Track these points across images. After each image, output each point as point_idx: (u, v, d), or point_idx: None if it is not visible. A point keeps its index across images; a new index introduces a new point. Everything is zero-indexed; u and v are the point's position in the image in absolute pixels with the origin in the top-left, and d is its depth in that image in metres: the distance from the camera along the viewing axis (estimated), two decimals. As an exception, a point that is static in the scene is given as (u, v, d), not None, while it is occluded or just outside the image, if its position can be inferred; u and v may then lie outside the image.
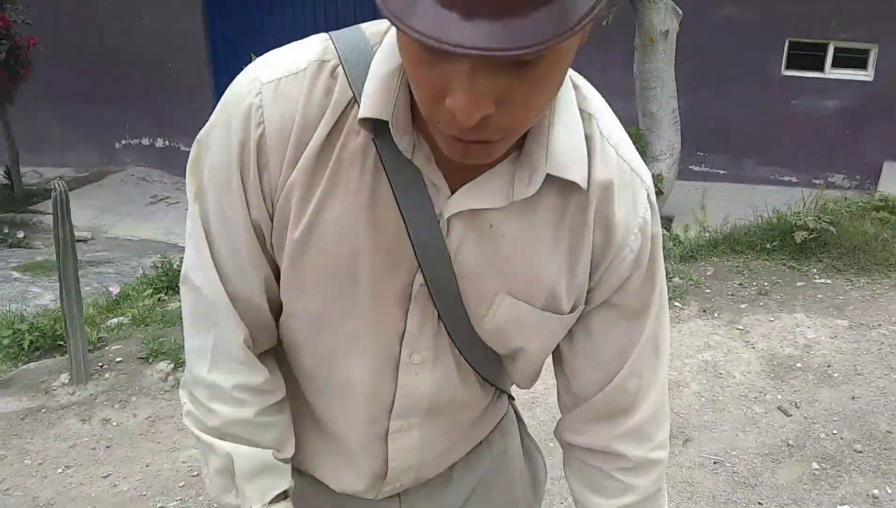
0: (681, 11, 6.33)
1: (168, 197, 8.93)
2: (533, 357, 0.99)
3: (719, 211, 5.39)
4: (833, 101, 7.79)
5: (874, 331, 3.72)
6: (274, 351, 0.98)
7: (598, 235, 0.89)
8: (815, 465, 2.85)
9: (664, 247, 4.51)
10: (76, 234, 7.36)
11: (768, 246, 4.49)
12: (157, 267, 4.82)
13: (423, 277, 0.87)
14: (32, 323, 3.87)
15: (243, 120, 0.82)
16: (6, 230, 7.66)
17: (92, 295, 4.95)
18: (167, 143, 9.54)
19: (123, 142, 9.76)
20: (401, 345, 0.92)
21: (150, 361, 3.55)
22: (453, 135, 0.72)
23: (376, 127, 0.80)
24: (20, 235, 7.67)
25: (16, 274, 6.13)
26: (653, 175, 5.68)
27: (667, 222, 7.03)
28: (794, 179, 8.04)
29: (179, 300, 3.81)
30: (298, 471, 1.05)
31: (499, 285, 0.89)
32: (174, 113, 9.22)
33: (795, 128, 7.91)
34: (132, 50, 9.10)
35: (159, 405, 3.28)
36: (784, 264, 4.37)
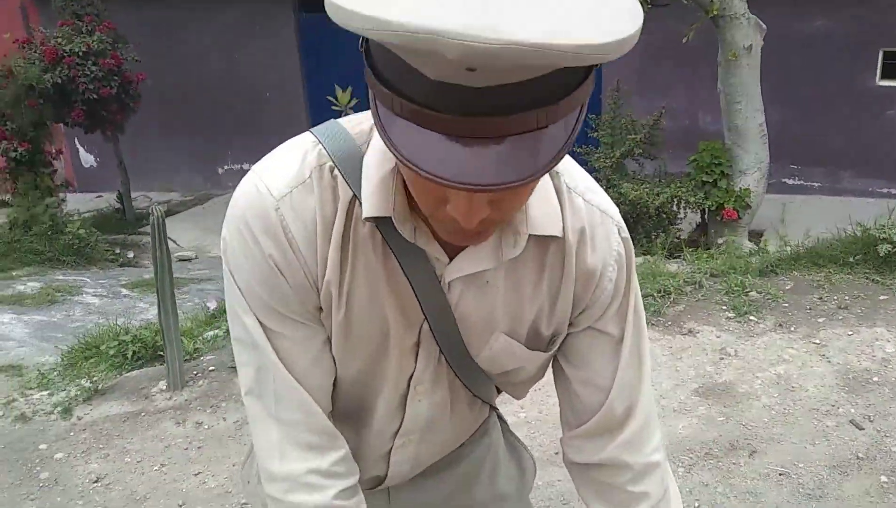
0: (764, 26, 6.27)
1: (265, 219, 9.36)
2: (524, 379, 1.13)
3: (813, 224, 5.31)
4: (924, 112, 7.51)
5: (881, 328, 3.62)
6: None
7: (578, 275, 1.00)
8: (883, 478, 2.82)
9: (745, 261, 4.47)
10: (182, 253, 7.86)
11: (851, 260, 4.40)
12: (250, 284, 5.11)
13: (429, 325, 1.01)
14: (136, 335, 4.20)
15: (271, 235, 0.91)
16: (118, 251, 8.20)
17: (192, 310, 5.29)
18: (265, 167, 10.02)
19: (226, 167, 10.30)
20: (409, 383, 1.06)
21: (240, 370, 3.80)
22: (455, 231, 0.84)
23: (379, 220, 0.91)
24: (130, 255, 8.20)
25: (125, 291, 6.59)
26: (740, 189, 5.68)
27: (756, 236, 6.92)
28: (892, 191, 7.77)
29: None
30: None
31: (494, 326, 1.02)
32: (272, 140, 9.54)
33: (892, 138, 7.65)
34: (233, 83, 9.63)
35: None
36: (867, 278, 4.28)
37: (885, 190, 7.76)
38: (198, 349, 4.14)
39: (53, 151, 8.36)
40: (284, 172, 0.93)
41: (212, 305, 5.12)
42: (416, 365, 1.05)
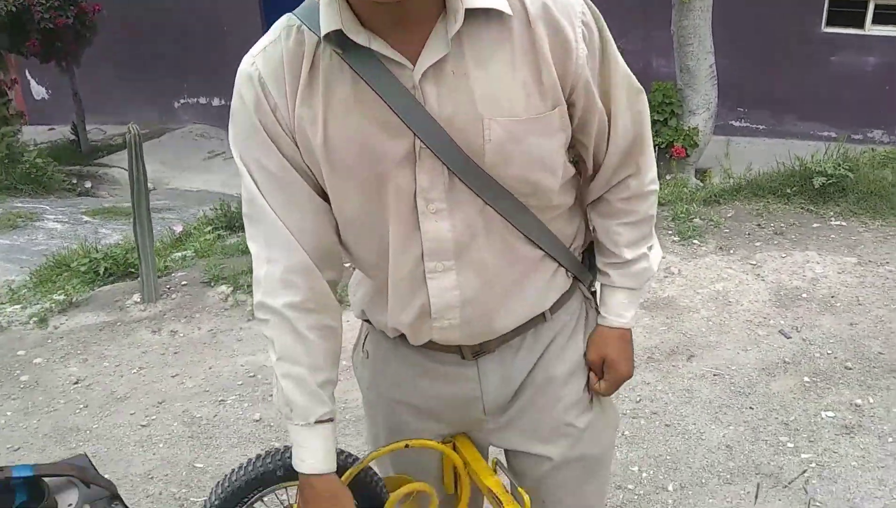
0: (718, -31, 6.47)
1: (224, 152, 9.38)
2: (546, 185, 1.15)
3: (756, 161, 5.58)
4: (874, 57, 7.84)
5: (881, 268, 3.94)
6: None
7: (552, 41, 1.06)
8: (806, 379, 3.12)
9: (690, 192, 4.71)
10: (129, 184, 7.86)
11: (788, 191, 4.70)
12: (217, 209, 5.24)
13: (420, 140, 1.06)
14: (107, 253, 4.32)
15: (248, 85, 1.10)
16: (74, 181, 8.20)
17: (157, 235, 5.39)
18: (223, 101, 9.99)
19: (182, 101, 10.23)
20: (415, 199, 1.10)
21: (212, 284, 3.96)
22: None
23: (341, 43, 1.03)
24: (87, 185, 8.21)
25: (86, 218, 6.64)
26: (689, 128, 5.92)
27: (702, 174, 7.22)
28: (833, 135, 8.13)
29: (237, 236, 4.24)
30: (382, 333, 1.32)
31: (482, 114, 1.06)
32: (230, 74, 9.50)
33: (835, 84, 7.98)
34: (190, 15, 9.53)
35: (220, 320, 3.69)
36: (802, 208, 4.58)
37: (825, 133, 8.12)
38: (168, 267, 4.28)
39: (8, 81, 8.25)
40: (262, 40, 1.12)
41: (177, 228, 5.23)
42: (416, 181, 1.09)
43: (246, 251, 4.36)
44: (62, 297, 3.92)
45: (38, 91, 10.97)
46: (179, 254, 4.59)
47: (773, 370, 3.20)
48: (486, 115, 1.06)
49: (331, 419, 1.21)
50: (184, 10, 9.55)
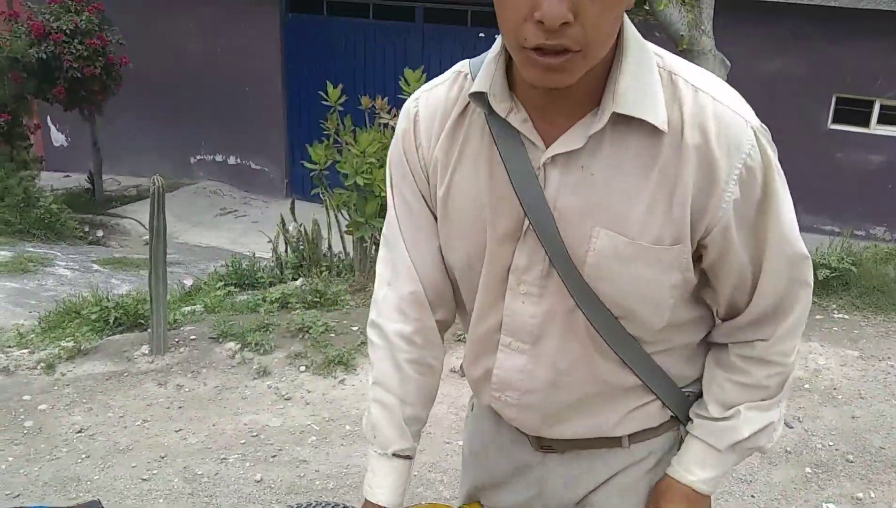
0: (729, 63, 6.67)
1: (236, 210, 9.51)
2: (643, 317, 1.07)
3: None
4: (878, 155, 8.00)
5: (883, 362, 3.98)
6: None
7: (699, 173, 0.99)
8: (808, 469, 3.13)
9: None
10: (147, 238, 7.95)
11: (793, 282, 4.76)
12: (228, 266, 5.30)
13: (529, 221, 1.05)
14: (118, 302, 4.36)
15: (405, 118, 1.16)
16: (86, 229, 8.29)
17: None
18: (238, 160, 10.16)
19: (198, 157, 10.41)
20: (508, 274, 1.10)
21: (220, 340, 4.00)
22: (537, 45, 0.89)
23: (487, 103, 1.04)
24: (99, 234, 8.30)
25: (96, 266, 6.70)
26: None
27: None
28: (836, 229, 8.23)
29: (247, 294, 4.30)
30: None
31: (594, 220, 1.02)
32: (247, 134, 9.87)
33: (840, 180, 8.13)
34: (213, 73, 9.78)
35: (227, 377, 3.72)
36: (806, 299, 4.64)
37: (829, 227, 8.22)
38: (177, 320, 4.31)
39: (31, 125, 8.43)
40: (436, 79, 1.17)
41: (188, 282, 5.29)
42: (513, 257, 1.09)
43: (254, 309, 4.41)
44: (71, 344, 3.95)
45: (58, 138, 11.16)
46: (189, 308, 4.64)
47: (774, 459, 3.20)
48: (599, 223, 1.02)
49: (408, 457, 1.23)
50: (208, 69, 9.81)
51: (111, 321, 4.24)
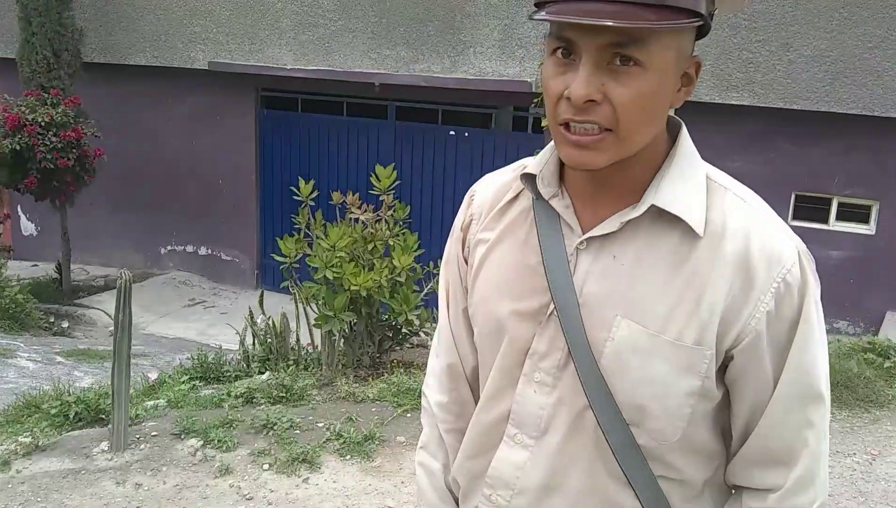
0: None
1: (205, 301, 9.46)
2: (654, 421, 1.03)
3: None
4: (837, 251, 8.21)
5: (849, 459, 3.99)
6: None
7: (735, 282, 1.00)
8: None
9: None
10: (113, 328, 7.86)
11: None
12: (194, 359, 5.24)
13: (554, 305, 1.06)
14: (79, 397, 4.28)
15: (467, 196, 1.25)
16: (52, 320, 8.18)
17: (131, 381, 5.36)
18: (209, 251, 10.17)
19: (169, 247, 10.40)
20: (525, 358, 1.10)
21: (182, 437, 3.92)
22: (566, 120, 0.97)
23: (535, 187, 1.11)
24: (64, 324, 8.19)
25: (59, 358, 6.59)
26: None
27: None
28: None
29: (212, 388, 4.24)
30: None
31: (617, 309, 1.03)
32: (219, 225, 9.92)
33: (802, 275, 8.30)
34: (188, 166, 9.89)
35: (187, 475, 3.63)
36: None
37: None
38: (139, 415, 4.23)
39: (2, 215, 8.41)
40: (505, 167, 1.25)
41: (152, 376, 5.22)
42: (533, 341, 1.09)
43: (218, 404, 4.35)
44: (28, 439, 3.85)
45: (28, 227, 11.12)
46: (152, 402, 4.56)
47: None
48: (621, 312, 1.03)
49: None
50: (183, 162, 9.92)
51: (71, 415, 4.15)
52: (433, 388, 1.30)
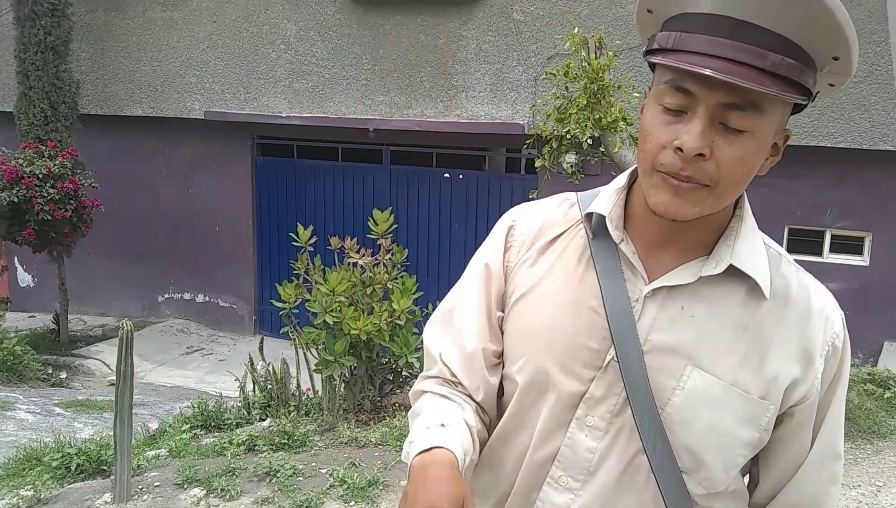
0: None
1: (203, 348, 9.44)
2: (710, 472, 1.05)
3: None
4: (832, 283, 8.23)
5: (853, 491, 3.99)
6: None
7: (799, 343, 1.05)
8: None
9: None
10: (112, 378, 7.83)
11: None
12: (194, 407, 5.23)
13: (615, 351, 1.06)
14: (80, 448, 4.27)
15: (501, 227, 1.22)
16: (50, 371, 8.15)
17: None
18: (207, 298, 10.18)
19: (166, 295, 10.41)
20: (579, 402, 1.09)
21: (185, 487, 3.90)
22: (670, 173, 0.98)
23: (595, 227, 1.11)
24: (63, 375, 8.15)
25: (59, 409, 6.55)
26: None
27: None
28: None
29: (214, 436, 4.24)
30: None
31: (688, 359, 1.04)
32: (217, 272, 9.95)
33: (798, 307, 8.33)
34: (184, 214, 9.95)
35: (191, 525, 3.61)
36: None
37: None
38: (141, 465, 4.22)
39: (0, 267, 8.42)
40: (541, 201, 1.24)
41: (153, 425, 5.20)
42: (589, 387, 1.08)
43: (220, 453, 4.34)
44: (30, 493, 3.84)
45: (24, 278, 11.12)
46: (153, 452, 4.55)
47: None
48: (692, 362, 1.04)
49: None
50: (180, 210, 9.98)
51: (73, 467, 4.14)
52: (437, 382, 1.18)
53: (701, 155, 0.96)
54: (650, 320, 1.06)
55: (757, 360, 1.04)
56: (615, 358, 1.05)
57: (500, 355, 1.19)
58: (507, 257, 1.19)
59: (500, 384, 1.19)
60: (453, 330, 1.20)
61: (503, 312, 1.19)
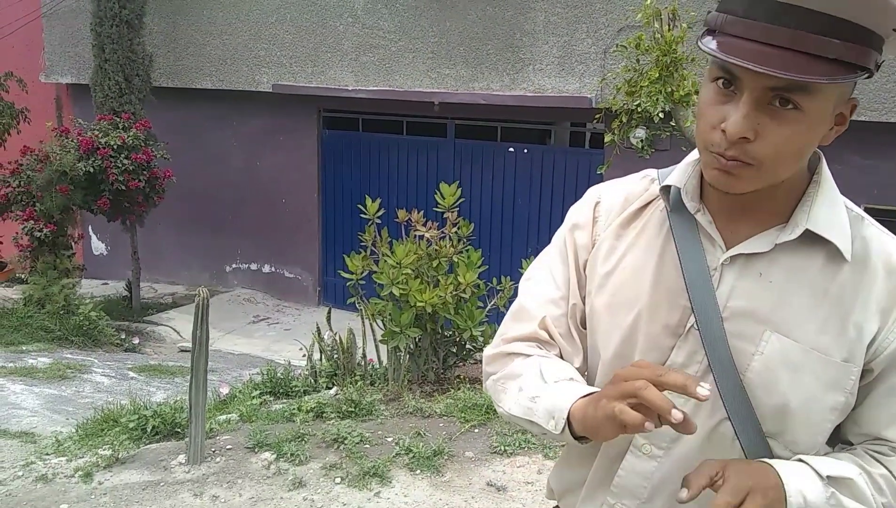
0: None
1: (269, 317, 9.64)
2: (796, 435, 1.06)
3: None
4: None
5: None
6: None
7: (881, 303, 1.05)
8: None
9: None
10: (184, 345, 8.07)
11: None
12: (263, 374, 5.35)
13: (695, 318, 1.07)
14: (156, 411, 4.41)
15: (587, 202, 1.24)
16: (123, 336, 8.42)
17: (201, 396, 5.49)
18: (273, 269, 10.37)
19: (234, 266, 10.64)
20: None
21: (256, 451, 4.00)
22: (718, 152, 0.99)
23: (673, 200, 1.13)
24: (135, 341, 8.41)
25: (132, 373, 6.78)
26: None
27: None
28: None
29: (282, 402, 4.32)
30: None
31: (766, 325, 1.05)
32: (283, 244, 10.12)
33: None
34: (252, 186, 10.13)
35: (262, 488, 3.71)
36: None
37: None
38: (213, 429, 4.34)
39: (75, 235, 8.71)
40: (623, 178, 1.27)
41: (224, 390, 5.34)
42: (671, 354, 1.10)
43: (289, 419, 4.43)
44: (108, 452, 3.98)
45: (98, 246, 11.50)
46: (224, 417, 4.66)
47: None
48: (771, 328, 1.05)
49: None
50: (248, 182, 10.16)
51: (149, 429, 4.28)
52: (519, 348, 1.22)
53: (745, 138, 0.97)
54: (729, 287, 1.07)
55: (839, 324, 1.05)
56: (695, 326, 1.07)
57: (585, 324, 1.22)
58: (595, 229, 1.22)
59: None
60: (546, 292, 1.23)
61: (588, 277, 1.21)
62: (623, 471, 1.14)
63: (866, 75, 0.97)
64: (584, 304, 1.21)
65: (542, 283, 1.25)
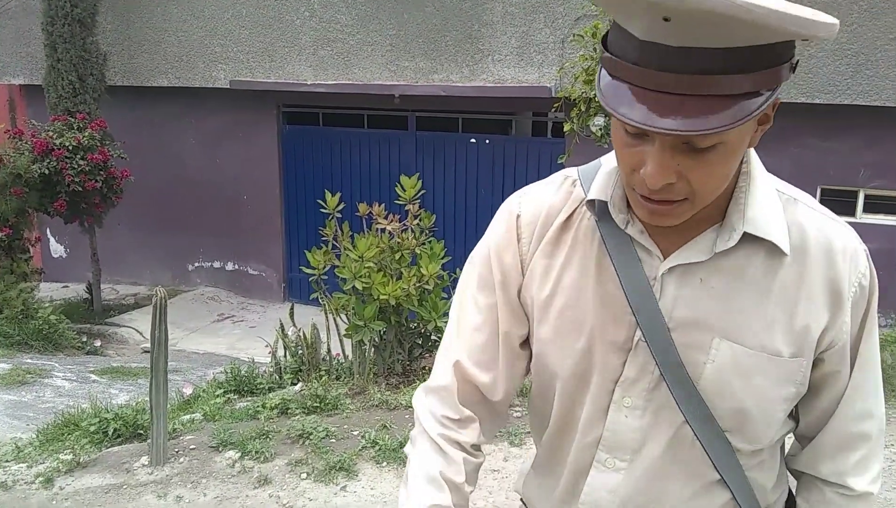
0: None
1: (234, 315, 9.55)
2: (753, 431, 1.07)
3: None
4: (867, 244, 8.10)
5: (887, 450, 3.96)
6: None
7: (826, 293, 1.03)
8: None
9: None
10: (145, 346, 7.96)
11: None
12: (227, 372, 5.30)
13: (642, 332, 1.05)
14: (117, 413, 4.35)
15: (506, 216, 1.16)
16: (84, 339, 8.29)
17: (165, 396, 5.43)
18: (236, 266, 10.28)
19: (196, 264, 10.52)
20: (615, 386, 1.09)
21: (220, 449, 3.97)
22: (643, 195, 0.94)
23: (600, 212, 1.07)
24: (97, 343, 8.28)
25: (94, 377, 6.67)
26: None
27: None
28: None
29: (247, 401, 4.29)
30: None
31: (714, 332, 1.03)
32: (246, 241, 10.03)
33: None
34: (212, 183, 10.02)
35: (227, 487, 3.68)
36: None
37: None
38: (176, 429, 4.29)
39: (32, 238, 8.54)
40: (539, 183, 1.20)
41: (187, 390, 5.28)
42: (623, 370, 1.08)
43: (254, 416, 4.40)
44: (69, 457, 3.92)
45: (57, 249, 11.30)
46: (188, 416, 4.62)
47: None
48: (718, 334, 1.03)
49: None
50: (208, 179, 10.05)
51: (110, 432, 4.22)
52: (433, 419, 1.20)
53: (669, 183, 0.92)
54: (671, 297, 1.04)
55: (786, 319, 1.03)
56: (643, 338, 1.05)
57: (527, 340, 1.19)
58: (520, 247, 1.15)
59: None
60: (465, 328, 1.19)
61: (525, 304, 1.16)
62: (588, 487, 1.14)
63: (778, 92, 0.91)
64: (520, 329, 1.17)
65: (465, 308, 1.20)
